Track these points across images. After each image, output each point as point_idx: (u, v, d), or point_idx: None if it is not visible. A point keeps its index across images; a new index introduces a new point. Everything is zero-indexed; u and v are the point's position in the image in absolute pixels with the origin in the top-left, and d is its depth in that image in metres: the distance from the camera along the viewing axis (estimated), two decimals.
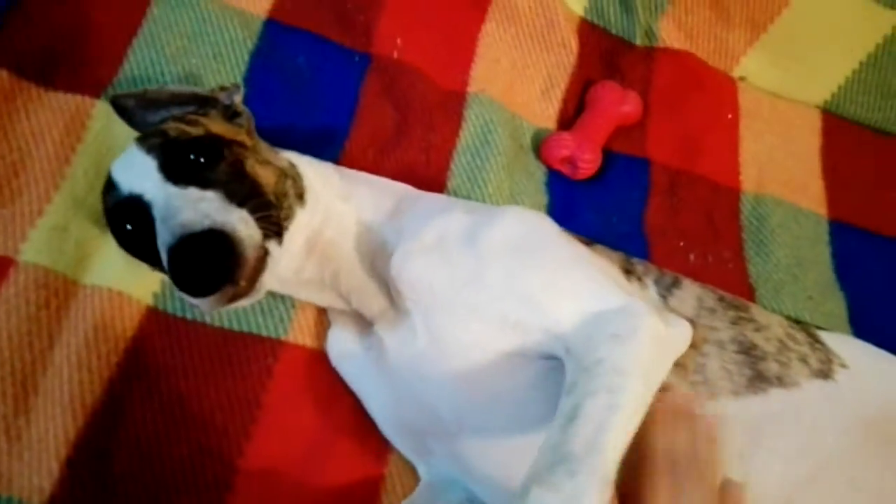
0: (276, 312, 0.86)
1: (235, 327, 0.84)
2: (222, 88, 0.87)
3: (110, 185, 0.73)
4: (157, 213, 0.65)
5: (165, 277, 0.84)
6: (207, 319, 0.84)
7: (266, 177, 0.74)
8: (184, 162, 0.69)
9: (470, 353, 0.72)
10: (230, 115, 0.84)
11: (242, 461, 0.78)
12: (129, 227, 0.71)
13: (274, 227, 0.69)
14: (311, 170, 0.84)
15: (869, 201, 1.18)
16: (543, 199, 1.05)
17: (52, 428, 0.74)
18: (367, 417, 0.82)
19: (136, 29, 0.96)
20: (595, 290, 0.70)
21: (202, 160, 0.69)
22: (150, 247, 0.65)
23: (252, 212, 0.66)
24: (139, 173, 0.69)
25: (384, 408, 0.81)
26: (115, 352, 0.79)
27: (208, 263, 0.59)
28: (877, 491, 0.74)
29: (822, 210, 1.15)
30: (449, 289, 0.72)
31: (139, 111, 0.86)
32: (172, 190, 0.66)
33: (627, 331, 0.64)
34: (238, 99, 0.86)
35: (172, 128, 0.74)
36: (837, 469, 0.74)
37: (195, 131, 0.74)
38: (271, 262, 0.66)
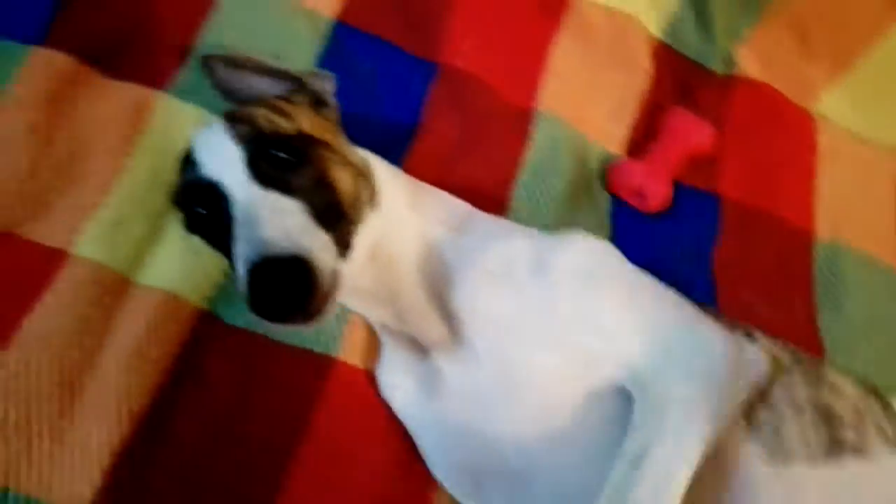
0: (328, 328, 0.83)
1: (287, 340, 0.81)
2: (315, 74, 0.82)
3: (190, 161, 0.68)
4: (238, 212, 0.62)
5: (221, 281, 0.82)
6: (260, 329, 0.81)
7: (346, 182, 0.70)
8: (271, 159, 0.65)
9: (540, 387, 0.69)
10: (318, 104, 0.79)
11: (287, 481, 0.75)
12: (201, 210, 0.66)
13: (347, 242, 0.66)
14: (383, 171, 0.80)
15: None
16: (606, 228, 1.00)
17: (97, 433, 0.71)
18: (414, 451, 0.79)
19: (201, 21, 0.94)
20: (668, 320, 0.69)
21: (288, 160, 0.66)
22: (217, 233, 0.64)
23: (331, 230, 0.63)
24: (224, 160, 0.65)
25: (437, 445, 0.77)
26: (166, 357, 0.76)
27: (286, 292, 0.56)
28: None
29: None
30: (518, 318, 0.70)
31: (226, 71, 0.83)
32: (256, 191, 0.62)
33: (702, 368, 0.63)
34: (329, 89, 0.81)
35: (263, 116, 0.69)
36: None
37: (286, 126, 0.70)
38: (342, 283, 0.62)
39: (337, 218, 0.66)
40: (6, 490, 0.68)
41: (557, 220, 0.97)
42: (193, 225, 0.69)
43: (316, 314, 0.59)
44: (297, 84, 0.80)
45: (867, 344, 1.00)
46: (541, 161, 1.00)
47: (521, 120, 1.02)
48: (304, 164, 0.66)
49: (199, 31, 0.92)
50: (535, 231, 0.85)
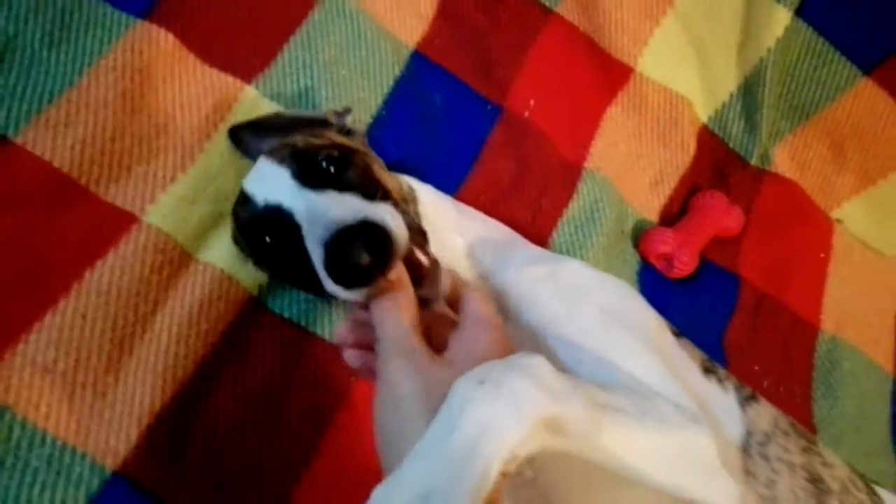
0: None
1: (326, 336, 0.84)
2: (336, 113, 0.87)
3: (244, 199, 0.71)
4: (302, 217, 0.64)
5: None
6: (302, 322, 0.84)
7: (391, 182, 0.75)
8: (316, 169, 0.68)
9: None
10: (344, 133, 0.85)
11: (307, 473, 0.78)
12: (267, 239, 0.69)
13: (417, 230, 0.68)
14: (429, 198, 0.85)
15: None
16: (633, 286, 1.05)
17: (139, 393, 0.74)
18: None
19: (295, 28, 0.98)
20: (672, 384, 0.69)
21: (332, 168, 0.69)
22: (289, 258, 0.66)
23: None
24: (273, 184, 0.68)
25: None
26: (213, 332, 0.79)
27: (364, 252, 0.56)
28: None
29: (889, 367, 1.16)
30: (543, 312, 0.73)
31: (253, 140, 0.86)
32: (312, 195, 0.65)
33: (688, 415, 0.63)
34: (348, 121, 0.87)
35: (299, 139, 0.74)
36: None
37: (320, 141, 0.75)
38: (439, 269, 0.63)
39: (395, 203, 0.67)
40: (45, 432, 0.70)
41: None
42: (265, 259, 0.72)
43: (429, 291, 0.61)
44: (322, 125, 0.85)
45: (855, 435, 1.06)
46: (583, 215, 1.06)
47: (570, 174, 1.08)
48: (347, 166, 0.69)
49: (291, 36, 0.97)
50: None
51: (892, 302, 1.22)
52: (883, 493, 0.89)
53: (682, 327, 1.03)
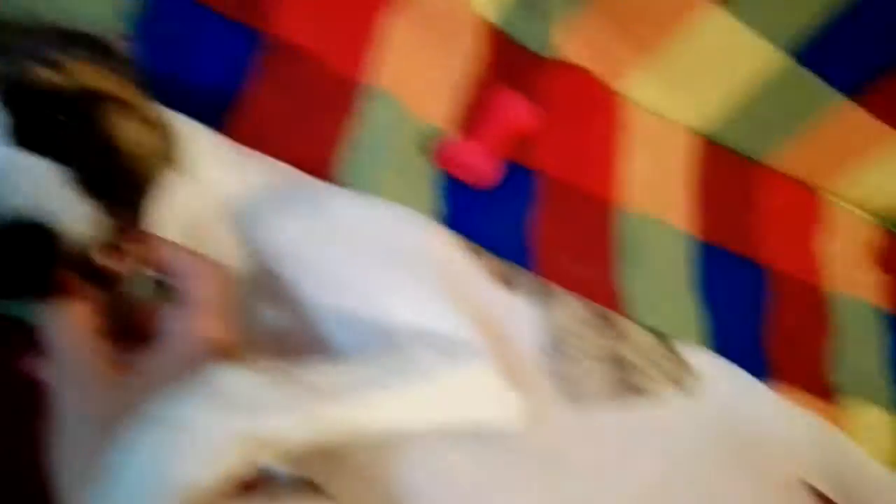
0: None
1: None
2: (124, 37, 0.73)
3: None
4: None
5: None
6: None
7: (137, 138, 0.64)
8: (39, 119, 0.57)
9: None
10: (111, 61, 0.70)
11: None
12: None
13: (137, 204, 0.60)
14: (197, 134, 0.77)
15: (736, 224, 1.26)
16: (438, 205, 1.02)
17: None
18: None
19: None
20: (450, 317, 0.67)
21: (61, 118, 0.58)
22: None
23: (110, 193, 0.56)
24: None
25: None
26: None
27: (13, 263, 0.49)
28: (724, 500, 0.81)
29: (691, 230, 1.22)
30: (307, 267, 0.68)
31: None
32: (14, 156, 0.54)
33: (461, 354, 0.61)
34: (120, 46, 0.72)
35: (36, 70, 0.59)
36: (688, 478, 0.80)
37: (62, 81, 0.60)
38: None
39: (121, 179, 0.59)
40: None
41: (387, 198, 0.96)
42: None
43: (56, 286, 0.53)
44: (103, 50, 0.70)
45: (665, 301, 1.11)
46: (368, 137, 0.99)
47: (348, 94, 1.00)
48: (78, 121, 0.59)
49: None
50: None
51: (687, 167, 1.27)
52: (686, 349, 0.96)
53: (491, 237, 1.01)
